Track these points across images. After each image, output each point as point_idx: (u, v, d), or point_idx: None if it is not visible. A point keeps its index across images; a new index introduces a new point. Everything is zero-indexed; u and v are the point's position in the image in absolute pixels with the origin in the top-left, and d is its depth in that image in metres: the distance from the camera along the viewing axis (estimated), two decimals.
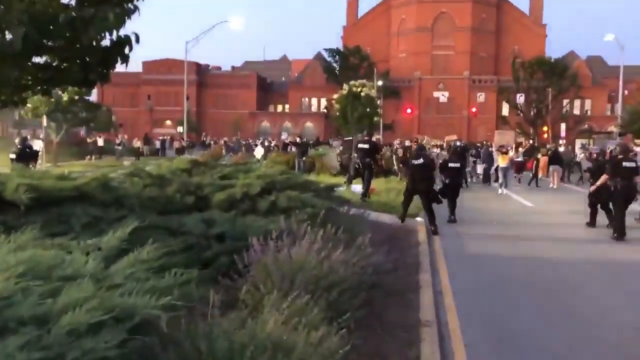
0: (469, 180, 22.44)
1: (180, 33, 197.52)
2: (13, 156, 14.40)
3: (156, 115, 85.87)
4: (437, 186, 12.86)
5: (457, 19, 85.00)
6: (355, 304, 4.14)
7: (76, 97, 25.89)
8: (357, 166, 14.95)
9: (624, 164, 10.72)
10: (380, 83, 61.73)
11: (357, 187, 14.90)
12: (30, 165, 13.91)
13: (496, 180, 21.15)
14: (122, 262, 3.04)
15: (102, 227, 4.86)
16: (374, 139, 17.93)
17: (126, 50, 5.49)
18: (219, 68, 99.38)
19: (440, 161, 15.25)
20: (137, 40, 5.35)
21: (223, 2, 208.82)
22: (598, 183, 11.22)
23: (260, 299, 3.72)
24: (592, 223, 11.91)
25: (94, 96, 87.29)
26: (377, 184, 17.55)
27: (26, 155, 14.63)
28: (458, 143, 25.71)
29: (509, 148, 22.76)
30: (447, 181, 12.91)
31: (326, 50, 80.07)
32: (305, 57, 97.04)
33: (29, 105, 26.27)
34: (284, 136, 40.30)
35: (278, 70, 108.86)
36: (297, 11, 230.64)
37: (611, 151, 16.69)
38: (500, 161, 20.33)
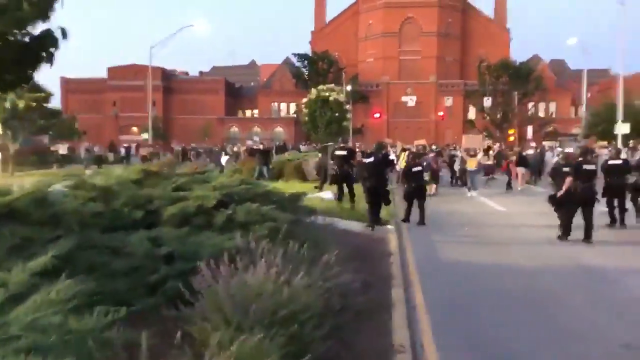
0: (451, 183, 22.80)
1: (146, 38, 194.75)
2: None
3: (122, 122, 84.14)
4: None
5: (423, 24, 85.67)
6: (321, 334, 3.62)
7: (34, 104, 24.80)
8: (334, 173, 14.31)
9: (584, 166, 10.73)
10: (349, 88, 61.59)
11: (328, 193, 14.42)
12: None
13: (464, 184, 21.01)
14: (27, 304, 2.43)
15: (34, 249, 4.24)
16: (349, 145, 17.21)
17: (51, 49, 4.70)
18: (187, 73, 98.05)
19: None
20: (65, 36, 4.65)
21: (190, 7, 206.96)
22: (564, 187, 10.75)
23: (209, 335, 3.17)
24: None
25: (56, 102, 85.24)
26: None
27: None
28: (434, 147, 25.83)
29: (477, 151, 22.67)
30: (412, 185, 13.02)
31: (295, 55, 79.84)
32: (275, 62, 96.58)
33: None
34: (249, 142, 39.54)
35: (247, 75, 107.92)
36: (265, 16, 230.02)
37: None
38: (469, 164, 20.26)
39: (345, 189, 13.90)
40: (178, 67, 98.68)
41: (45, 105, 26.41)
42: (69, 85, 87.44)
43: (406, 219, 12.91)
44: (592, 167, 11.02)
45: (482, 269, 8.19)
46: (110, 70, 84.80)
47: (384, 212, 12.71)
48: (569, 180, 10.65)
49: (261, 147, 23.39)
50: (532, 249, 9.94)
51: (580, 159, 11.26)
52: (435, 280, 7.42)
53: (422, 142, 26.36)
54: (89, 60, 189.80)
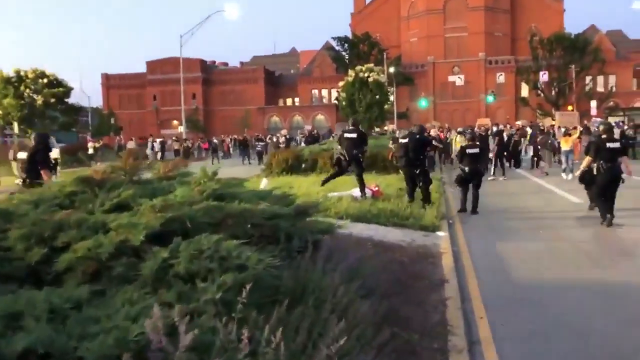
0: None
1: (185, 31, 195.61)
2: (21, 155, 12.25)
3: (163, 116, 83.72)
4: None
5: None
6: None
7: (52, 100, 23.41)
8: (342, 158, 12.66)
9: (608, 144, 10.05)
10: (392, 69, 58.61)
11: (356, 191, 12.05)
12: (53, 177, 11.75)
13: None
14: None
15: None
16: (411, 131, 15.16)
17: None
18: (226, 64, 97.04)
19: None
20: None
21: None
22: (582, 167, 10.62)
23: None
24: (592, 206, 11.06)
25: (98, 99, 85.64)
26: (387, 183, 14.71)
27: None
28: (497, 128, 23.28)
29: (570, 130, 21.12)
30: (465, 169, 11.95)
31: (334, 39, 76.92)
32: (315, 48, 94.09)
33: None
34: (283, 131, 37.28)
35: (287, 63, 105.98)
36: (305, 2, 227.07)
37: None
38: (564, 144, 18.94)
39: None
40: (218, 59, 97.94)
41: (66, 100, 24.99)
42: (109, 81, 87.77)
43: (463, 208, 11.87)
44: (616, 144, 10.17)
45: (582, 303, 5.70)
46: (149, 64, 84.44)
47: (431, 211, 10.34)
48: (587, 159, 10.24)
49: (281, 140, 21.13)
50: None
51: (603, 136, 10.30)
52: (515, 330, 5.00)
53: (486, 121, 24.29)
54: (131, 55, 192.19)
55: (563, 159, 18.87)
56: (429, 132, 19.91)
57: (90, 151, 32.09)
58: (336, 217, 9.67)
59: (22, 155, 9.82)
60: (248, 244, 3.59)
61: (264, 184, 14.86)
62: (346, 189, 12.72)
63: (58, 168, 13.47)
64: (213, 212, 3.82)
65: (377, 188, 12.59)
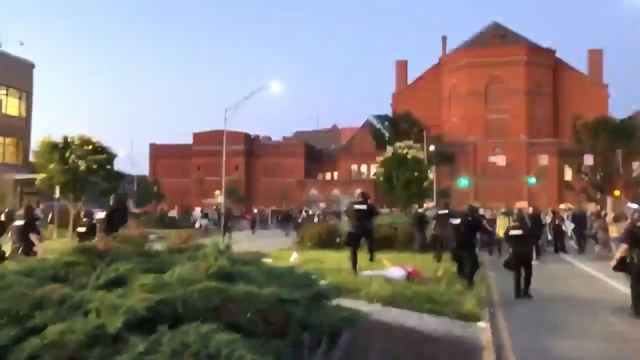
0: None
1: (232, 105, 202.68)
2: (82, 229, 12.75)
3: (206, 186, 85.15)
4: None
5: (510, 82, 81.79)
6: None
7: (95, 166, 23.87)
8: (353, 231, 12.52)
9: (511, 232, 10.31)
10: (432, 148, 58.44)
11: (395, 271, 11.34)
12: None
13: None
14: None
15: None
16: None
17: None
18: (269, 138, 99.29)
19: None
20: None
21: (279, 77, 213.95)
22: (617, 255, 10.04)
23: None
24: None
25: (144, 168, 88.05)
26: (424, 263, 13.95)
27: (94, 229, 12.86)
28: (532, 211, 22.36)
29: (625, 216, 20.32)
30: (512, 251, 11.59)
31: (375, 117, 77.91)
32: (356, 125, 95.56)
33: (43, 176, 24.53)
34: (321, 205, 36.97)
35: (328, 139, 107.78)
36: (348, 82, 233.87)
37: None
38: (612, 231, 18.55)
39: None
40: (263, 133, 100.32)
41: (109, 167, 25.46)
42: (157, 151, 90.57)
43: (518, 294, 11.21)
44: None
45: None
46: (195, 135, 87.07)
47: (471, 297, 9.54)
48: (622, 248, 9.74)
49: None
50: None
51: (639, 223, 9.96)
52: None
53: (524, 204, 23.56)
54: (179, 127, 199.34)
55: (613, 245, 17.72)
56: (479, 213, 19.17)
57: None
58: (366, 300, 9.00)
59: (101, 215, 10.33)
60: (250, 336, 3.04)
61: (293, 258, 14.36)
62: (380, 267, 12.04)
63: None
64: (211, 295, 3.32)
65: (413, 269, 11.87)
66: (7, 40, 79.54)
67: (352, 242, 12.46)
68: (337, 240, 19.87)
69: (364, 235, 12.51)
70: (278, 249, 20.51)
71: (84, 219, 13.40)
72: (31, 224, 10.73)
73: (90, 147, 24.67)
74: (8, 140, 37.35)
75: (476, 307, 8.90)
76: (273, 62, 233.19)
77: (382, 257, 12.92)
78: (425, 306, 8.62)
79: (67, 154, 23.86)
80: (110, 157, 25.72)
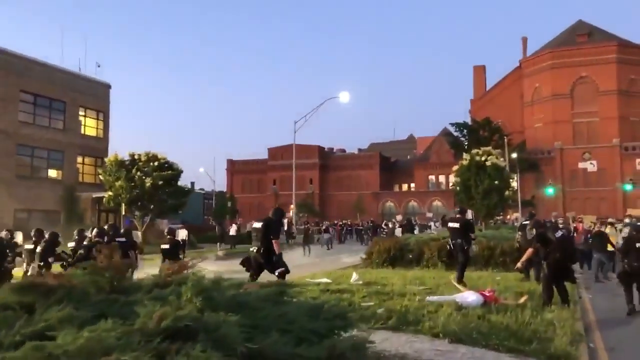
0: None
1: (318, 118, 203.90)
2: (166, 246, 13.03)
3: (281, 200, 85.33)
4: None
5: (599, 82, 76.17)
6: None
7: (160, 182, 23.63)
8: (449, 248, 12.47)
9: (637, 244, 10.07)
10: (514, 155, 55.11)
11: (469, 295, 9.62)
12: (181, 256, 13.39)
13: None
14: None
15: None
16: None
17: None
18: (343, 150, 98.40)
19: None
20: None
21: (352, 89, 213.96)
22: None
23: None
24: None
25: (222, 184, 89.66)
26: (505, 284, 12.06)
27: (176, 246, 13.54)
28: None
29: None
30: (633, 264, 10.36)
31: (453, 125, 75.00)
32: (432, 134, 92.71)
33: (110, 193, 24.60)
34: (398, 217, 35.13)
35: (404, 149, 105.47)
36: (424, 90, 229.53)
37: None
38: None
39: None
40: (339, 146, 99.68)
41: (175, 183, 25.19)
42: (234, 167, 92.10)
43: (631, 310, 10.21)
44: None
45: None
46: (270, 150, 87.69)
47: (563, 329, 7.74)
48: None
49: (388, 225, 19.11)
50: None
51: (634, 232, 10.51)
52: None
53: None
54: (256, 142, 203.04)
55: None
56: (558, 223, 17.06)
57: (232, 232, 32.03)
58: (429, 335, 7.44)
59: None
60: None
61: (354, 279, 12.93)
62: (449, 291, 10.36)
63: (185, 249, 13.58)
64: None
65: (491, 292, 10.09)
66: (86, 64, 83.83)
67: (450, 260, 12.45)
68: (410, 256, 18.26)
69: (456, 252, 12.07)
70: (344, 267, 19.16)
71: (168, 236, 13.65)
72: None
73: (157, 163, 24.51)
74: (87, 159, 38.51)
75: (569, 344, 7.09)
76: (349, 75, 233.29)
77: (452, 278, 11.20)
78: (504, 343, 6.93)
79: (133, 171, 23.79)
80: (177, 173, 25.51)
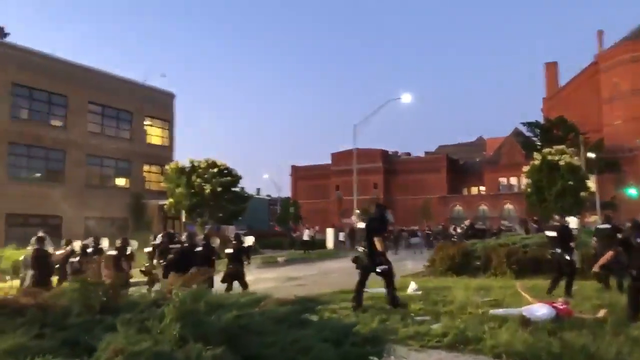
0: None
1: (383, 122, 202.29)
2: (231, 251, 13.34)
3: (345, 205, 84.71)
4: None
5: None
6: None
7: (219, 189, 23.55)
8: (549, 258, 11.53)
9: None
10: (591, 155, 51.78)
11: (539, 308, 8.49)
12: (246, 262, 13.62)
13: None
14: None
15: None
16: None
17: None
18: (409, 154, 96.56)
19: None
20: None
21: (418, 91, 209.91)
22: None
23: None
24: None
25: (287, 189, 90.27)
26: (583, 294, 10.78)
27: (240, 251, 13.58)
28: None
29: None
30: None
31: (524, 124, 71.68)
32: (502, 135, 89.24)
33: (171, 200, 24.74)
34: (466, 222, 33.44)
35: (472, 151, 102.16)
36: (493, 90, 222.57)
37: None
38: None
39: None
40: (404, 149, 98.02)
41: (234, 189, 25.07)
42: (298, 173, 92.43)
43: None
44: None
45: None
46: (334, 155, 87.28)
47: None
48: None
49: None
50: None
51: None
52: None
53: None
54: (320, 147, 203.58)
55: None
56: None
57: (306, 237, 32.07)
58: (491, 355, 6.48)
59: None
60: None
61: (412, 288, 12.02)
62: (517, 303, 9.24)
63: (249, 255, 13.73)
64: None
65: (564, 305, 8.92)
66: (151, 74, 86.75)
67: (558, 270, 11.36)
68: (478, 263, 17.08)
69: (559, 265, 11.21)
70: (405, 274, 18.19)
71: (233, 242, 13.74)
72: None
73: (216, 170, 24.48)
74: (153, 168, 39.39)
75: None
76: (414, 77, 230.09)
77: (519, 287, 10.05)
78: None
79: (193, 178, 23.86)
80: (236, 179, 25.39)
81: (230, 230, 31.47)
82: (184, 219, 24.02)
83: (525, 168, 26.45)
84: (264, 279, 13.59)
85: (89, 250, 14.29)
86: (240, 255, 13.31)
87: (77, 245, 14.63)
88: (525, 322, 7.80)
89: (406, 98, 37.44)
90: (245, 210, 27.50)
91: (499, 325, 7.70)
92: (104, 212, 34.63)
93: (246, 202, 28.13)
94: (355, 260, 10.14)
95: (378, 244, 9.62)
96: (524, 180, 57.29)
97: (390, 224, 13.85)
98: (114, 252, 13.40)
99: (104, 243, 15.67)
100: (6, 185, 30.44)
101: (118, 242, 14.00)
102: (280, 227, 61.79)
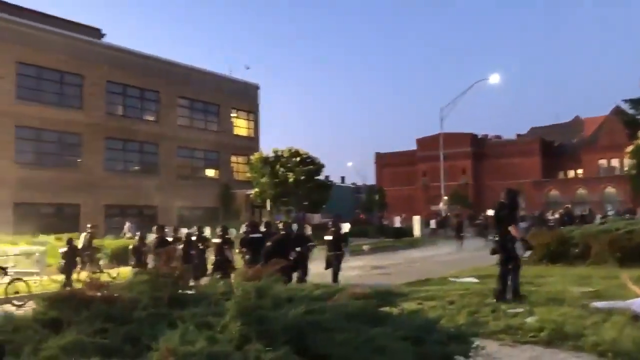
0: None
1: (471, 105, 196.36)
2: (329, 237, 13.76)
3: (432, 192, 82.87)
4: None
5: None
6: None
7: (302, 177, 23.65)
8: None
9: None
10: None
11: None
12: (345, 248, 13.85)
13: None
14: None
15: None
16: None
17: None
18: (499, 137, 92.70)
19: None
20: None
21: (503, 72, 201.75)
22: None
23: None
24: None
25: (371, 177, 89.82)
26: None
27: (339, 238, 13.84)
28: None
29: None
30: None
31: (626, 101, 66.46)
32: (602, 114, 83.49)
33: (256, 189, 25.14)
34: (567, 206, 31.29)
35: (568, 132, 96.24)
36: (590, 67, 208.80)
37: None
38: None
39: None
40: (495, 132, 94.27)
41: (317, 178, 25.10)
42: (382, 160, 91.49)
43: None
44: None
45: None
46: (419, 141, 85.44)
47: None
48: None
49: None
50: None
51: None
52: None
53: None
54: (405, 133, 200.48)
55: None
56: None
57: (398, 225, 32.10)
58: (595, 353, 5.87)
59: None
60: None
61: None
62: (622, 295, 8.40)
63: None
64: None
65: None
66: (235, 66, 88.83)
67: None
68: (577, 251, 15.93)
69: None
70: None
71: (332, 229, 14.01)
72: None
73: (299, 158, 24.61)
74: (240, 159, 40.40)
75: None
76: (503, 56, 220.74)
77: (625, 278, 9.13)
78: None
79: (277, 167, 24.12)
80: (319, 167, 25.38)
81: (316, 219, 31.68)
82: (268, 208, 24.38)
83: (629, 148, 24.37)
84: (348, 268, 13.47)
85: (193, 238, 14.87)
86: (340, 242, 13.51)
87: (183, 232, 15.51)
88: (635, 317, 7.05)
89: (494, 79, 35.86)
90: (328, 198, 27.48)
91: (602, 320, 7.01)
92: (195, 201, 35.97)
93: (329, 190, 28.09)
94: (494, 251, 9.82)
95: (513, 230, 9.23)
96: (627, 161, 53.30)
97: (522, 209, 13.17)
98: (218, 240, 13.83)
99: (207, 231, 16.26)
100: (104, 179, 32.33)
101: (218, 231, 14.39)
102: (365, 215, 61.50)
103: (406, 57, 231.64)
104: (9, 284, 13.13)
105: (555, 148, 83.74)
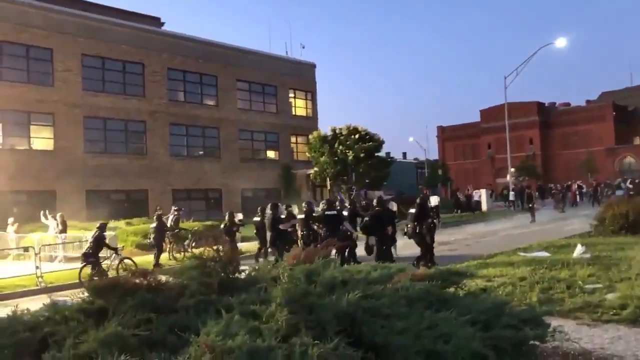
0: None
1: (536, 73, 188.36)
2: (413, 210, 13.53)
3: (498, 164, 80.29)
4: None
5: None
6: None
7: (362, 155, 23.29)
8: None
9: None
10: None
11: None
12: (436, 220, 14.23)
13: None
14: None
15: None
16: None
17: None
18: (568, 104, 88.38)
19: None
20: None
21: (568, 35, 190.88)
22: None
23: None
24: None
25: (434, 151, 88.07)
26: None
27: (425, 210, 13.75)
28: None
29: None
30: None
31: None
32: None
33: (316, 169, 24.97)
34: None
35: None
36: None
37: None
38: None
39: None
40: (562, 99, 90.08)
41: (377, 154, 24.65)
42: (444, 133, 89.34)
43: None
44: None
45: None
46: (483, 112, 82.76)
47: None
48: None
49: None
50: None
51: None
52: None
53: None
54: (467, 105, 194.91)
55: None
56: None
57: (477, 199, 31.63)
58: None
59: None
60: None
61: (578, 252, 10.68)
62: None
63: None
64: None
65: None
66: (291, 46, 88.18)
67: None
68: None
69: None
70: (570, 235, 16.50)
71: (417, 202, 13.66)
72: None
73: (357, 136, 24.23)
74: (299, 139, 40.39)
75: None
76: (568, 20, 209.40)
77: None
78: None
79: (336, 145, 23.85)
80: (377, 144, 24.90)
81: (377, 195, 31.19)
82: (329, 187, 24.21)
83: None
84: (413, 244, 13.14)
85: (283, 215, 15.25)
86: (426, 214, 13.31)
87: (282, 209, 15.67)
88: None
89: (560, 42, 33.92)
90: (388, 175, 26.98)
91: None
92: (258, 183, 36.36)
93: (389, 166, 27.56)
94: None
95: None
96: None
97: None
98: (302, 216, 14.05)
99: (281, 210, 16.36)
100: (170, 164, 33.17)
101: (304, 206, 14.55)
102: (428, 191, 60.31)
103: (470, 25, 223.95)
104: (119, 263, 14.21)
105: (629, 112, 79.05)
